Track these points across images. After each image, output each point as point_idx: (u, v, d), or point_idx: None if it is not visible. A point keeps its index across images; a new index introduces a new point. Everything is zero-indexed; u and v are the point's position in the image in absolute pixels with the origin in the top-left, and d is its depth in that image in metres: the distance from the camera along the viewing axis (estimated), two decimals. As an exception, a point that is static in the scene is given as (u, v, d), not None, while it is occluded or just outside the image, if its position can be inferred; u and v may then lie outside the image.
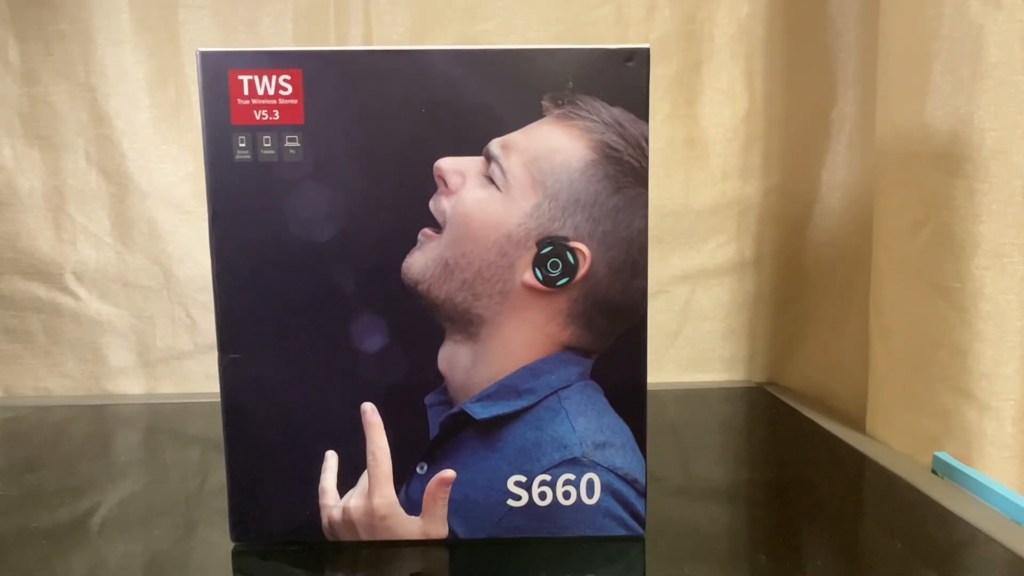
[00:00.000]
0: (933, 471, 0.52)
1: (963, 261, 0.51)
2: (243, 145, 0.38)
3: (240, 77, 0.37)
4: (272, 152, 0.38)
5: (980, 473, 0.50)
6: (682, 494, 0.49)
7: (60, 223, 0.73)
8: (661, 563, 0.40)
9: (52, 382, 0.76)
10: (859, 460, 0.55)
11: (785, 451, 0.59)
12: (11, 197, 0.72)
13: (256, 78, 0.37)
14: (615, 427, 0.40)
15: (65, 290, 0.74)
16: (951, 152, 0.51)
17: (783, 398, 0.71)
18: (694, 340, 0.78)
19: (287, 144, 0.38)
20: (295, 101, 0.37)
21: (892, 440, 0.57)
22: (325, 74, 0.37)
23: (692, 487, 0.50)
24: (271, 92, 0.37)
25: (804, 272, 0.75)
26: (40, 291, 0.74)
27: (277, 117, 0.37)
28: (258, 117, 0.37)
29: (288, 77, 0.37)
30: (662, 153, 0.74)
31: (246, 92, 0.37)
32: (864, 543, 0.43)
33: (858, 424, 0.62)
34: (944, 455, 0.52)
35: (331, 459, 0.40)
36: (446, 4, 0.72)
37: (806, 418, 0.65)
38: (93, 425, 0.66)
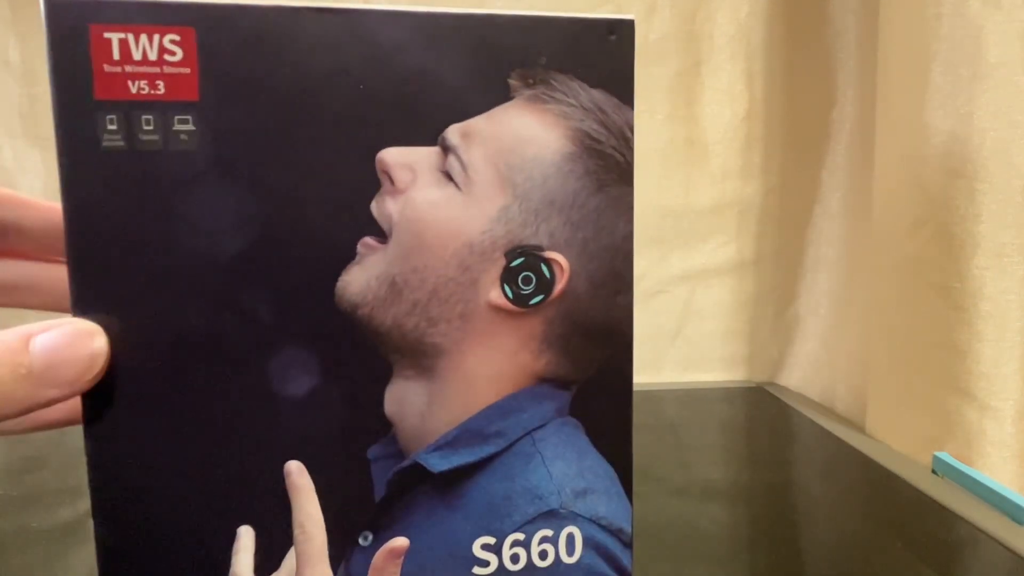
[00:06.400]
0: (933, 471, 0.52)
1: (963, 261, 0.51)
2: (113, 127, 0.27)
3: (107, 35, 0.26)
4: (155, 138, 0.28)
5: (980, 473, 0.50)
6: (682, 494, 0.49)
7: (60, 223, 0.73)
8: (660, 563, 0.40)
9: (52, 382, 0.76)
10: (859, 460, 0.55)
11: (785, 451, 0.59)
12: (11, 197, 0.73)
13: (131, 36, 0.27)
14: (597, 470, 0.34)
15: (65, 290, 0.74)
16: (951, 152, 0.51)
17: (783, 398, 0.71)
18: (694, 340, 0.78)
19: (176, 127, 0.28)
20: (187, 70, 0.27)
21: (892, 440, 0.57)
22: (228, 35, 0.27)
23: (692, 487, 0.50)
24: (152, 57, 0.27)
25: (804, 272, 0.76)
26: (40, 291, 0.74)
27: (162, 91, 0.27)
28: (134, 90, 0.27)
29: (176, 37, 0.27)
30: (662, 153, 0.74)
31: (116, 56, 0.27)
32: (864, 543, 0.43)
33: (858, 424, 0.62)
34: (944, 455, 0.52)
35: (245, 537, 0.31)
36: (446, 4, 0.72)
37: (806, 418, 0.65)
38: (93, 425, 0.66)
